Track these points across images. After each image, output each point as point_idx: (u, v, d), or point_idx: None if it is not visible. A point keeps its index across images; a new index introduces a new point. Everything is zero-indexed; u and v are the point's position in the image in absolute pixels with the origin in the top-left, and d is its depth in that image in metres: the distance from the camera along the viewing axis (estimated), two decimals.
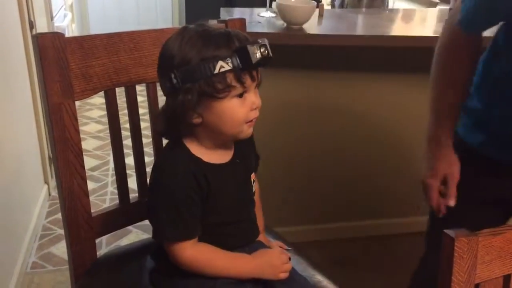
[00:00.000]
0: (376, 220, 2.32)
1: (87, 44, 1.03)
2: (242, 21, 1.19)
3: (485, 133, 1.16)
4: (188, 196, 0.89)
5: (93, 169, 2.93)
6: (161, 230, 0.92)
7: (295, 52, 1.89)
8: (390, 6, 3.98)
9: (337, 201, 2.25)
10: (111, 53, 1.06)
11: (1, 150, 1.91)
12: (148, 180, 0.97)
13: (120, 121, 1.13)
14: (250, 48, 0.83)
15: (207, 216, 0.92)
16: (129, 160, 1.15)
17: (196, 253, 0.92)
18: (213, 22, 1.21)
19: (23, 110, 2.35)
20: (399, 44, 1.87)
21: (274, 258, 0.97)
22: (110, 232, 1.14)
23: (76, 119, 1.02)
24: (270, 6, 2.03)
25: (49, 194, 2.66)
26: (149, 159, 1.15)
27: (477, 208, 1.17)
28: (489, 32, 1.13)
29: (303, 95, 2.03)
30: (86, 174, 1.07)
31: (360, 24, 2.14)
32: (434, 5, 3.46)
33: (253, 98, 0.89)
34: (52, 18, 2.96)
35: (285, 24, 1.84)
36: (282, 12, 1.82)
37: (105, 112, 1.12)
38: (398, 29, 2.16)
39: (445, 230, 0.78)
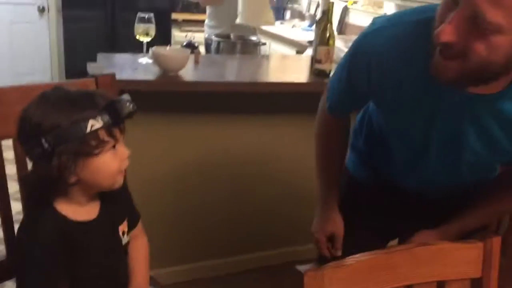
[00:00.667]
0: (265, 252, 2.42)
1: None
2: (112, 77, 1.24)
3: (369, 170, 1.36)
4: (53, 253, 0.91)
5: None
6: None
7: (170, 98, 1.97)
8: (266, 48, 4.25)
9: (224, 236, 2.32)
10: None
11: None
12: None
13: None
14: (118, 104, 0.90)
15: (76, 271, 0.95)
16: None
17: None
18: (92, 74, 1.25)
19: None
20: (272, 89, 2.04)
21: None
22: None
23: None
24: (147, 52, 2.09)
25: None
26: (18, 214, 1.13)
27: (361, 234, 1.35)
28: None
29: (183, 138, 2.10)
30: None
31: (234, 70, 2.28)
32: (305, 48, 3.76)
33: (123, 150, 0.96)
34: None
35: (161, 71, 1.92)
36: (157, 60, 1.89)
37: None
38: (271, 74, 2.34)
39: (296, 266, 0.89)
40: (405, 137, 1.13)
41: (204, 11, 3.36)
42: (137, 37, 2.04)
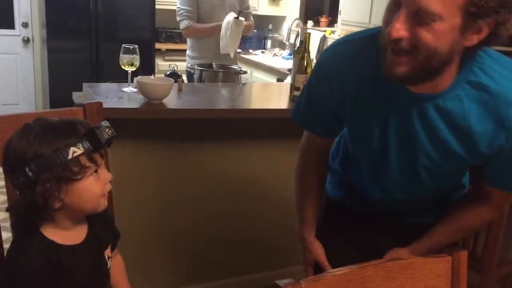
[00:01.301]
0: (258, 274, 2.44)
1: None
2: (99, 104, 1.30)
3: (344, 189, 1.43)
4: (41, 278, 0.95)
5: None
6: None
7: (155, 126, 2.03)
8: (248, 76, 4.35)
9: (215, 259, 2.35)
10: None
11: None
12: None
13: None
14: (98, 131, 0.96)
15: None
16: None
17: None
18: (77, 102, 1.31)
19: None
20: (253, 115, 2.12)
21: None
22: None
23: None
24: (132, 81, 2.16)
25: None
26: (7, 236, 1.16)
27: (340, 251, 1.41)
28: None
29: (168, 163, 2.15)
30: None
31: (217, 98, 2.36)
32: (285, 76, 3.87)
33: (105, 174, 1.01)
34: None
35: (145, 99, 1.98)
36: (141, 89, 1.96)
37: None
38: (252, 101, 2.42)
39: (276, 281, 0.94)
40: (367, 144, 1.20)
41: (185, 41, 3.46)
42: (122, 67, 2.11)
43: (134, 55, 2.10)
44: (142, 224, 2.14)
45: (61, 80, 4.37)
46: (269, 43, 5.34)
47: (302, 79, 2.18)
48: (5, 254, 1.04)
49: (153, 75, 3.73)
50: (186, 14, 3.07)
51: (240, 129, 2.20)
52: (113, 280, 1.16)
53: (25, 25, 4.74)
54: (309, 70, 2.18)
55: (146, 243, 2.18)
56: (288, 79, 3.33)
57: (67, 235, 1.01)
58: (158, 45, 4.89)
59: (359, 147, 1.28)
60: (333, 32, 4.53)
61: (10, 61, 4.79)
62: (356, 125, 1.23)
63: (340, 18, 4.41)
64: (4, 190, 1.19)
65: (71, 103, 1.85)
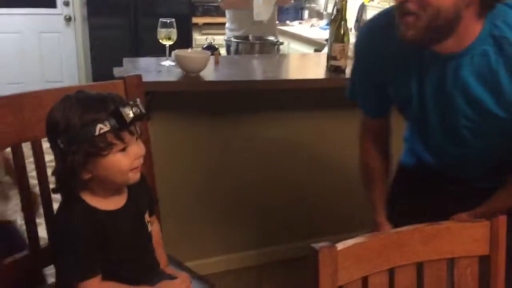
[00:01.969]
0: (297, 243, 2.45)
1: None
2: (138, 77, 1.34)
3: (414, 158, 1.44)
4: (85, 240, 1.00)
5: None
6: (65, 272, 1.03)
7: (193, 98, 2.07)
8: (285, 48, 4.32)
9: (256, 228, 2.41)
10: (16, 111, 1.16)
11: None
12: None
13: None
14: (123, 110, 0.97)
15: (107, 256, 1.04)
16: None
17: None
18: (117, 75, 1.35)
19: None
20: (289, 86, 2.12)
21: None
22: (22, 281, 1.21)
23: None
24: (170, 55, 2.20)
25: None
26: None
27: (411, 221, 1.41)
28: None
29: (205, 135, 2.20)
30: None
31: (253, 69, 2.37)
32: (323, 46, 3.82)
33: (135, 149, 1.02)
34: None
35: (183, 72, 2.01)
36: (179, 62, 1.99)
37: None
38: (288, 72, 2.42)
39: (312, 244, 0.96)
40: (410, 111, 1.24)
41: (224, 14, 3.46)
42: (160, 41, 2.15)
43: (171, 29, 2.13)
44: (184, 194, 2.20)
45: (103, 56, 4.48)
46: (306, 13, 5.27)
47: (338, 48, 2.15)
48: None
49: (190, 49, 3.76)
50: None
51: (276, 100, 2.21)
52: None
53: (66, 3, 4.85)
54: (346, 38, 2.15)
55: (190, 212, 2.25)
56: (326, 50, 3.29)
57: (107, 201, 1.06)
58: (195, 19, 4.91)
59: (406, 115, 1.31)
60: (371, 0, 4.42)
61: (53, 39, 4.93)
62: (397, 94, 1.24)
63: None
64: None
65: (112, 79, 1.90)
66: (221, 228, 2.35)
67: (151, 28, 2.16)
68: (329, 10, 4.61)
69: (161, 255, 1.23)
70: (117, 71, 2.15)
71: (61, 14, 4.89)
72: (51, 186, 1.15)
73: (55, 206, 1.26)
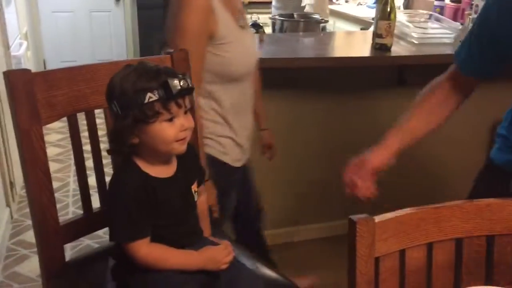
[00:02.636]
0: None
1: (50, 78, 1.20)
2: (185, 52, 1.38)
3: (509, 154, 1.36)
4: (138, 203, 1.07)
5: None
6: (117, 233, 1.10)
7: None
8: (330, 26, 4.28)
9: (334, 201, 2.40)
10: (72, 83, 1.23)
11: None
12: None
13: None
14: (171, 81, 1.01)
15: (156, 220, 1.10)
16: (90, 181, 1.31)
17: (150, 251, 1.10)
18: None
19: None
20: (331, 63, 2.12)
21: (216, 253, 1.16)
22: (76, 238, 1.30)
23: (44, 142, 1.19)
24: None
25: (12, 217, 2.74)
26: (108, 178, 1.31)
27: None
28: None
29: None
30: None
31: (297, 47, 2.37)
32: (369, 25, 3.76)
33: (182, 121, 1.06)
34: (8, 47, 3.07)
35: None
36: None
37: (62, 136, 1.29)
38: (332, 50, 2.41)
39: (350, 216, 0.98)
40: None
41: None
42: None
43: None
44: (268, 169, 2.21)
45: (151, 35, 4.57)
46: None
47: (385, 25, 2.13)
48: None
49: None
50: None
51: (323, 77, 2.21)
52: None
53: None
54: (392, 16, 2.13)
55: (276, 185, 2.31)
56: (372, 28, 3.25)
57: (158, 169, 1.12)
58: None
59: None
60: None
61: (103, 18, 5.07)
62: None
63: None
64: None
65: None
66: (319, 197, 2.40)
67: None
68: None
69: (205, 224, 1.29)
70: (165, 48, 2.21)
71: None
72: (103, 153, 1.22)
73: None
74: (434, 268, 1.03)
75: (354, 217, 0.96)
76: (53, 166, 3.31)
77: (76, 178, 1.39)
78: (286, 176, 2.39)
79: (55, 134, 3.79)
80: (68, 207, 2.88)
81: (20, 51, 3.35)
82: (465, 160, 2.15)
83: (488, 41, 1.25)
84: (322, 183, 2.40)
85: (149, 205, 1.08)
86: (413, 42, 2.32)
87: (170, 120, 1.05)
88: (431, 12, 3.11)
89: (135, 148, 1.08)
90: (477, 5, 2.41)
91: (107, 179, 1.34)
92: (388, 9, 2.11)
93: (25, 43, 3.70)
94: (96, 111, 1.30)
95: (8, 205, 2.73)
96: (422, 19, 2.79)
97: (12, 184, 2.79)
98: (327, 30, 3.59)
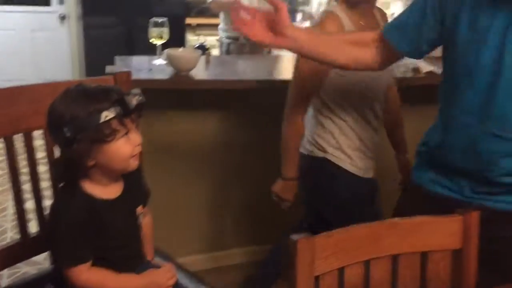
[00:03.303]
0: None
1: None
2: (128, 74, 1.38)
3: (433, 169, 1.35)
4: (81, 228, 1.06)
5: None
6: (60, 258, 1.08)
7: (184, 96, 2.11)
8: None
9: (241, 227, 2.45)
10: (12, 103, 1.21)
11: None
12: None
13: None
14: (127, 97, 1.04)
15: (98, 242, 1.09)
16: (28, 204, 1.28)
17: (90, 276, 1.08)
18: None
19: None
20: (273, 85, 2.15)
21: (158, 276, 1.15)
22: (12, 264, 1.25)
23: None
24: (161, 54, 2.23)
25: None
26: (48, 202, 1.27)
27: None
28: None
29: (194, 132, 2.24)
30: None
31: (241, 69, 2.41)
32: None
33: (136, 137, 1.09)
34: None
35: (174, 71, 2.05)
36: (169, 60, 2.03)
37: (1, 158, 1.24)
38: (275, 72, 2.47)
39: (290, 236, 0.99)
40: (477, 57, 1.16)
41: (218, 15, 3.49)
42: (151, 40, 2.18)
43: (163, 28, 2.16)
44: (171, 189, 2.24)
45: (97, 56, 4.50)
46: (299, 16, 5.33)
47: None
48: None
49: (181, 48, 3.78)
50: None
51: (261, 99, 2.24)
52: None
53: (60, 2, 4.87)
54: None
55: (178, 209, 2.28)
56: None
57: (104, 190, 1.11)
58: (189, 20, 4.94)
59: (465, 66, 1.21)
60: None
61: (47, 38, 4.95)
62: (469, 35, 1.18)
63: None
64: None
65: None
66: (207, 225, 2.39)
67: (145, 27, 2.19)
68: None
69: (149, 246, 1.28)
70: (109, 70, 2.19)
71: (55, 12, 4.91)
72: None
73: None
74: (372, 284, 1.06)
75: (295, 236, 0.98)
76: None
77: None
78: (210, 200, 2.39)
79: None
80: (7, 232, 2.76)
81: None
82: None
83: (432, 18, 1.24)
84: (247, 207, 2.42)
85: (92, 229, 1.07)
86: None
87: (126, 134, 1.05)
88: None
89: (84, 171, 1.07)
90: None
91: (47, 203, 1.31)
92: None
93: None
94: (35, 133, 1.27)
95: None
96: None
97: None
98: (273, 52, 3.66)
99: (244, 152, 2.33)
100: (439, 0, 1.23)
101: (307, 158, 1.69)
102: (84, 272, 1.07)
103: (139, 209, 1.21)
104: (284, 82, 2.15)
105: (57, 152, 1.11)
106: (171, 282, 1.15)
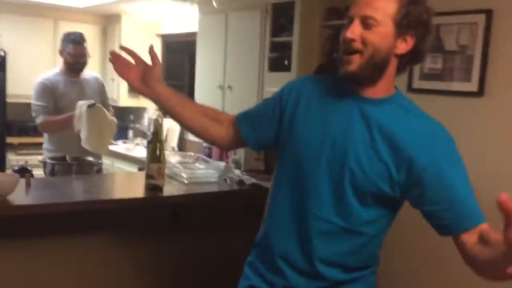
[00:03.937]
0: None
1: None
2: None
3: (258, 272, 1.43)
4: None
5: None
6: None
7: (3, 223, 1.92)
8: (109, 167, 4.30)
9: None
10: None
11: None
12: None
13: None
14: None
15: None
16: None
17: None
18: None
19: None
20: (102, 206, 2.10)
21: None
22: None
23: None
24: None
25: None
26: None
27: None
28: None
29: (15, 264, 2.03)
30: None
31: (67, 191, 2.30)
32: None
33: None
34: None
35: None
36: None
37: None
38: (104, 192, 2.42)
39: None
40: (303, 146, 1.33)
41: (41, 134, 3.35)
42: None
43: None
44: None
45: None
46: (131, 133, 5.37)
47: (155, 167, 2.24)
48: None
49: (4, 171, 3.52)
50: (42, 110, 3.01)
51: (94, 221, 2.16)
52: None
53: None
54: (162, 158, 2.26)
55: None
56: None
57: None
58: (10, 139, 4.65)
59: (292, 155, 1.35)
60: None
61: None
62: (301, 127, 1.35)
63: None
64: None
65: None
66: None
67: None
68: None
69: None
70: None
71: None
72: None
73: None
74: None
75: None
76: None
77: None
78: None
79: None
80: None
81: None
82: None
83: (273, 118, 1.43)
84: None
85: None
86: (184, 182, 2.48)
87: None
88: (198, 154, 3.44)
89: None
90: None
91: None
92: (158, 153, 2.24)
93: None
94: None
95: None
96: (191, 161, 3.04)
97: None
98: (104, 171, 3.59)
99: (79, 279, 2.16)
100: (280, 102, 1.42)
101: None
102: None
103: None
104: (119, 202, 2.13)
105: None
106: None
